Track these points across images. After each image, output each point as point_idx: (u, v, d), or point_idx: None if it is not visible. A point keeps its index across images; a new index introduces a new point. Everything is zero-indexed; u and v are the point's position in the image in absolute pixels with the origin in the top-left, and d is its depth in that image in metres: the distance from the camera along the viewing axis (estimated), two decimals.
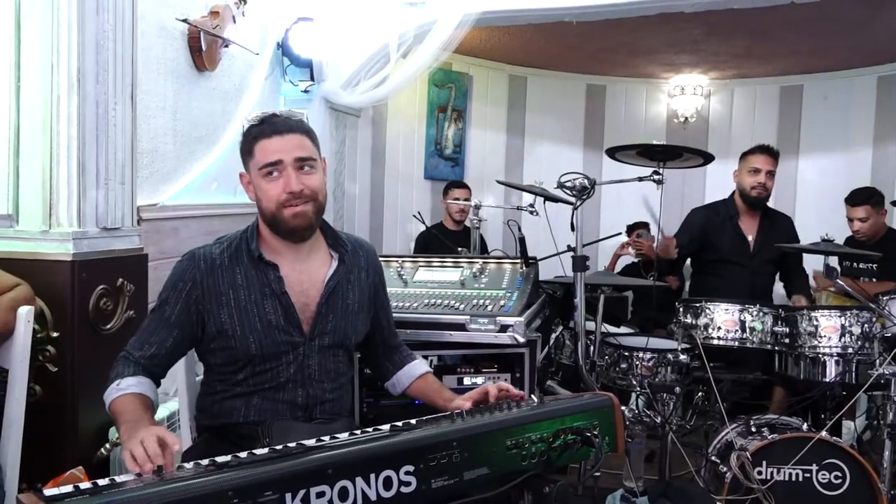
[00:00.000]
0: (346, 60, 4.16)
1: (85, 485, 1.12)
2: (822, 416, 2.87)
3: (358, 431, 1.40)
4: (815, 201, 5.78)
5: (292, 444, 1.29)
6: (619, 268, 5.39)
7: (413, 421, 1.43)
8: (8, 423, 1.89)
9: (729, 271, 3.57)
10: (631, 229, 5.22)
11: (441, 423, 1.40)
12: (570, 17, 4.01)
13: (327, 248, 1.83)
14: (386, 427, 1.40)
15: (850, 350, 2.67)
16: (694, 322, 2.84)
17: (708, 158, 3.02)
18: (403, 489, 1.22)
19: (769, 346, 2.81)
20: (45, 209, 2.26)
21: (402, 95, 5.14)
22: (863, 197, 3.84)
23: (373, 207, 5.37)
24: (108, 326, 2.36)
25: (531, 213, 3.23)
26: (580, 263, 2.45)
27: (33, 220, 2.27)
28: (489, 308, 2.25)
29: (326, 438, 1.34)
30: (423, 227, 4.49)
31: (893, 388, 2.49)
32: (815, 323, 2.72)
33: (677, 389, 2.71)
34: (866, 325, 2.66)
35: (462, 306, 2.26)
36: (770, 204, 3.73)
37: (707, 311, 2.83)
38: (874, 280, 3.80)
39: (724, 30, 4.79)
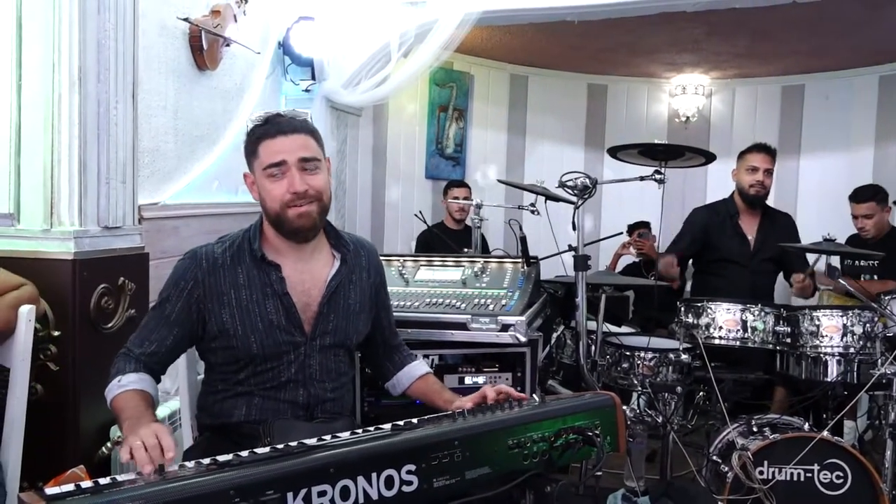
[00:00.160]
0: (347, 60, 4.16)
1: (86, 484, 1.12)
2: (824, 415, 2.87)
3: (359, 431, 1.40)
4: (817, 201, 5.77)
5: (294, 444, 1.29)
6: (620, 267, 5.39)
7: (414, 420, 1.43)
8: (9, 421, 1.89)
9: (729, 271, 3.57)
10: (632, 229, 5.22)
11: (442, 423, 1.40)
12: (571, 17, 4.01)
13: (330, 249, 1.83)
14: (387, 426, 1.39)
15: (851, 350, 2.66)
16: (695, 322, 2.84)
17: (710, 158, 3.02)
18: (405, 488, 1.22)
19: (771, 346, 2.80)
20: (46, 208, 2.26)
21: (403, 95, 5.15)
22: (868, 193, 3.84)
23: (374, 207, 5.37)
24: (110, 325, 2.36)
25: (532, 212, 3.23)
26: (581, 263, 2.45)
27: (34, 218, 2.27)
28: (490, 307, 2.24)
29: (328, 437, 1.34)
30: (424, 227, 4.49)
31: (895, 387, 2.49)
32: (817, 322, 2.71)
33: (679, 389, 2.71)
34: (868, 325, 2.66)
35: (463, 305, 2.26)
36: (771, 204, 3.73)
37: (708, 310, 2.82)
38: (875, 278, 3.79)
39: (726, 29, 4.78)
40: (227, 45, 3.24)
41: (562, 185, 2.48)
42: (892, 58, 5.50)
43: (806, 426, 2.66)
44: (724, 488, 2.49)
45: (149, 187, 2.81)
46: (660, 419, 2.67)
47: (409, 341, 2.05)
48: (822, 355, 2.71)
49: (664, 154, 2.87)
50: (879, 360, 2.62)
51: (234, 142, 3.35)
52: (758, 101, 6.28)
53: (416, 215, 4.28)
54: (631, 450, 2.57)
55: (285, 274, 1.73)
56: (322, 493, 1.14)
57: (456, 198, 4.86)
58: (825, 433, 2.49)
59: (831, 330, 2.69)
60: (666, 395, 2.71)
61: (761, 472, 2.48)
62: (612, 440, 1.51)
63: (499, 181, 3.68)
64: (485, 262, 2.62)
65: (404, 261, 2.65)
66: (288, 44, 3.83)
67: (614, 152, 3.03)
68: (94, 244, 2.31)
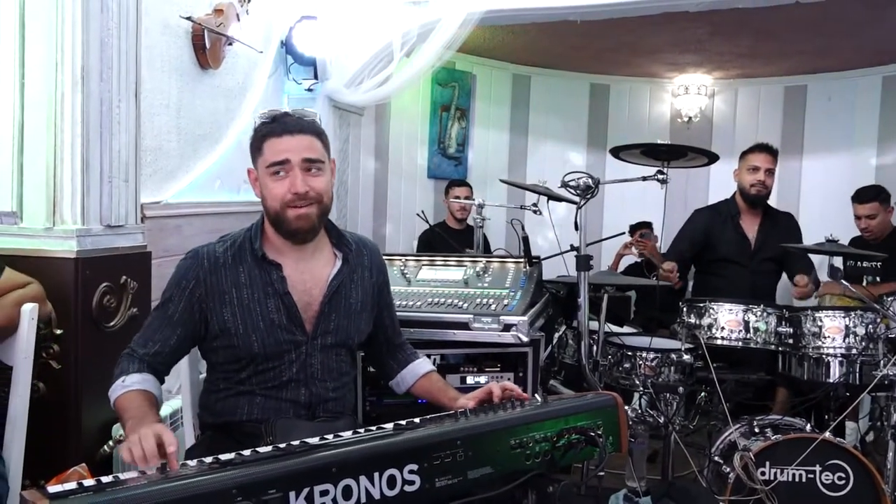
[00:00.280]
0: (349, 59, 4.16)
1: (89, 482, 1.11)
2: (826, 416, 2.87)
3: (361, 430, 1.40)
4: (819, 201, 5.76)
5: (296, 443, 1.28)
6: (622, 267, 5.39)
7: (417, 420, 1.43)
8: (12, 419, 1.89)
9: (729, 271, 3.57)
10: (634, 229, 5.22)
11: (445, 422, 1.40)
12: (574, 17, 4.01)
13: (331, 248, 1.83)
14: (389, 426, 1.39)
15: (853, 351, 2.66)
16: (697, 322, 2.83)
17: (712, 158, 3.01)
18: (407, 488, 1.22)
19: (773, 347, 2.80)
20: (48, 206, 2.26)
21: (405, 94, 5.14)
22: (871, 194, 3.84)
23: (376, 206, 5.37)
24: (112, 324, 2.36)
25: (535, 212, 3.23)
26: (583, 263, 2.44)
27: (37, 217, 2.27)
28: (492, 307, 2.24)
29: (330, 437, 1.34)
30: (426, 226, 4.49)
31: None
32: (819, 323, 2.71)
33: (680, 389, 2.71)
34: (870, 326, 2.65)
35: (465, 305, 2.26)
36: (774, 204, 3.73)
37: (711, 311, 2.82)
38: (878, 279, 3.79)
39: (729, 29, 4.78)
40: (230, 44, 3.24)
41: (564, 184, 2.48)
42: None
43: (808, 427, 2.66)
44: (726, 489, 2.49)
45: (151, 186, 2.82)
46: (661, 419, 2.67)
47: (411, 340, 2.05)
48: (824, 356, 2.71)
49: (667, 154, 2.86)
50: (882, 362, 2.61)
51: (236, 141, 3.35)
52: (760, 101, 6.28)
53: (418, 215, 4.28)
54: (633, 450, 2.57)
55: (286, 273, 1.73)
56: (324, 493, 1.14)
57: (457, 197, 4.86)
58: (827, 434, 2.49)
59: (834, 331, 2.69)
60: (668, 395, 2.70)
61: (763, 473, 2.48)
62: (614, 440, 1.51)
63: (501, 181, 3.68)
64: (487, 261, 2.62)
65: (406, 260, 2.65)
66: (290, 43, 3.83)
67: (617, 152, 3.03)
68: (96, 243, 2.31)
